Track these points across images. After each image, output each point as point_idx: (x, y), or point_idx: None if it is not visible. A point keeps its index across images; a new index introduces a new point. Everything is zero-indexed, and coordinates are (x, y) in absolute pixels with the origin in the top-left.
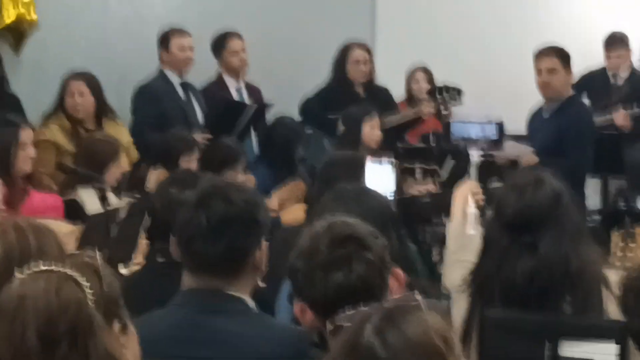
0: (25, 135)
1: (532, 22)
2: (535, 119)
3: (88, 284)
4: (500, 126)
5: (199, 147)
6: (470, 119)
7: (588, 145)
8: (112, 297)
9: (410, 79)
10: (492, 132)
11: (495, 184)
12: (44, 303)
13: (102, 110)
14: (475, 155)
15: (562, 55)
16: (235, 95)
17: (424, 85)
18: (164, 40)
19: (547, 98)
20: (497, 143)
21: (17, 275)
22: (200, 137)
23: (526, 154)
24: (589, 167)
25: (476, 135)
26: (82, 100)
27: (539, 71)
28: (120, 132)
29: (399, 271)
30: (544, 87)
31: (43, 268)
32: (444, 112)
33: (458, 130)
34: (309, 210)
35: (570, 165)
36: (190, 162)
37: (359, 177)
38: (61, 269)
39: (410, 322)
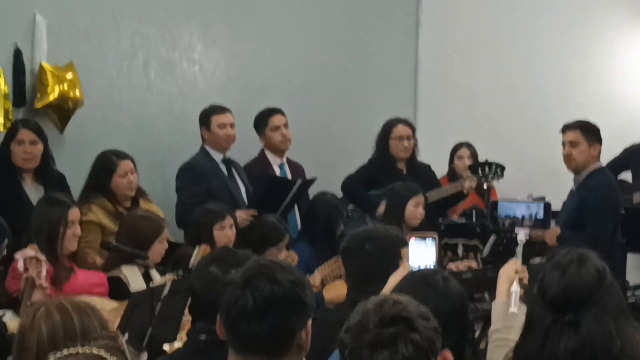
0: (73, 214)
1: (572, 98)
2: (569, 194)
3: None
4: (546, 205)
5: (232, 216)
6: (516, 198)
7: (607, 218)
8: None
9: (453, 154)
10: (538, 212)
11: (536, 261)
12: None
13: (138, 188)
14: (521, 235)
15: (586, 129)
16: (277, 172)
17: (467, 162)
18: (205, 119)
19: (571, 170)
20: (544, 222)
21: None
22: (245, 214)
23: (550, 229)
24: (608, 239)
25: (522, 215)
26: (134, 179)
27: (563, 144)
28: (152, 210)
29: (449, 355)
30: (566, 159)
31: (68, 352)
32: (485, 188)
33: (504, 209)
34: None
35: (588, 238)
36: (223, 231)
37: (395, 257)
38: (87, 350)
39: None
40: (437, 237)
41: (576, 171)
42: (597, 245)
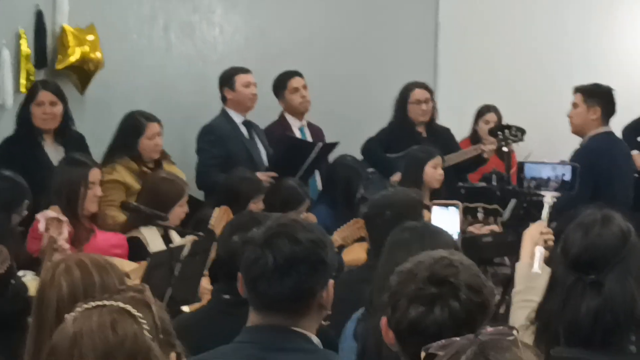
0: (94, 175)
1: (594, 60)
2: None
3: (142, 315)
4: (574, 167)
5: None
6: (543, 160)
7: (583, 183)
8: (165, 328)
9: (479, 117)
10: (565, 174)
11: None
12: (100, 338)
13: (162, 151)
14: (548, 197)
15: (588, 92)
16: (297, 135)
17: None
18: (227, 79)
19: (573, 132)
20: (571, 185)
21: (69, 314)
22: (264, 176)
23: None
24: (583, 204)
25: (548, 176)
26: (160, 142)
27: None
28: (174, 172)
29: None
30: (569, 121)
31: (95, 304)
32: (504, 150)
33: (530, 170)
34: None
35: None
36: (257, 204)
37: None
38: (113, 303)
39: (506, 358)
40: (460, 205)
41: (577, 134)
42: (576, 204)
